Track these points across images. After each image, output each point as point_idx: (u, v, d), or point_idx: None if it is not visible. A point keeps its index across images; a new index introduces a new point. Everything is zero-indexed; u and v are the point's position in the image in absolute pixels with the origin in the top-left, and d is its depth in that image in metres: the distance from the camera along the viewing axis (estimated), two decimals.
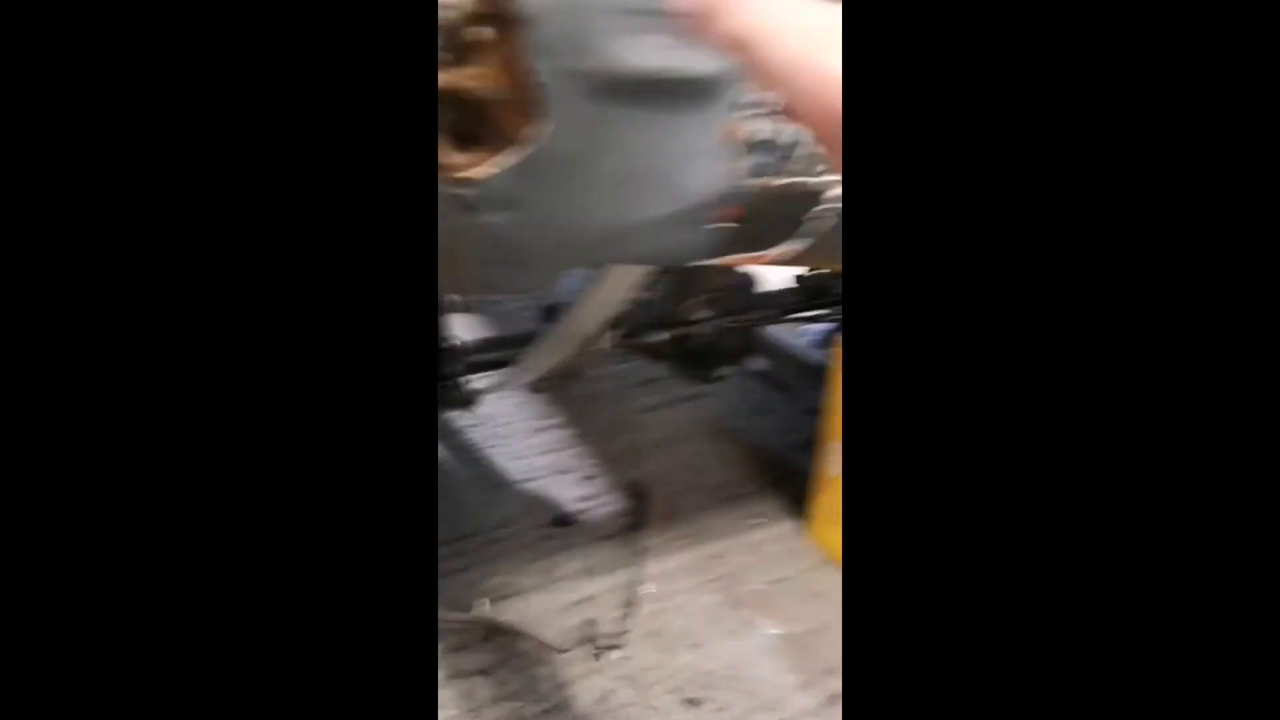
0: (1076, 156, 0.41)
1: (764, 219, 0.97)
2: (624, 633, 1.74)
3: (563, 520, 2.08)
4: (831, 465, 2.01)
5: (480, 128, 0.76)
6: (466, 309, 2.19)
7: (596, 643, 1.70)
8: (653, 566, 1.97)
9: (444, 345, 1.69)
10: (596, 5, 0.75)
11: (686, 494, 2.28)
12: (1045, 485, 0.42)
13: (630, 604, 1.82)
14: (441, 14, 0.69)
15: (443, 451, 2.28)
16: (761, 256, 1.06)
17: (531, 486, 2.23)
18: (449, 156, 0.75)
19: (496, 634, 1.70)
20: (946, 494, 0.44)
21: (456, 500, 2.09)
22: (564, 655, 1.68)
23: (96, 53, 0.43)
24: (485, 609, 1.76)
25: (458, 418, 2.26)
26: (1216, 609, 0.40)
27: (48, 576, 0.42)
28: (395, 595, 0.47)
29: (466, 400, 1.80)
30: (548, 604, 1.81)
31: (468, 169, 0.76)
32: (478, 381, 1.81)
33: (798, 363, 2.78)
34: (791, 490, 2.32)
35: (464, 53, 0.71)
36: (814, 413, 2.09)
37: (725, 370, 2.09)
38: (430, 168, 0.51)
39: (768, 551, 2.11)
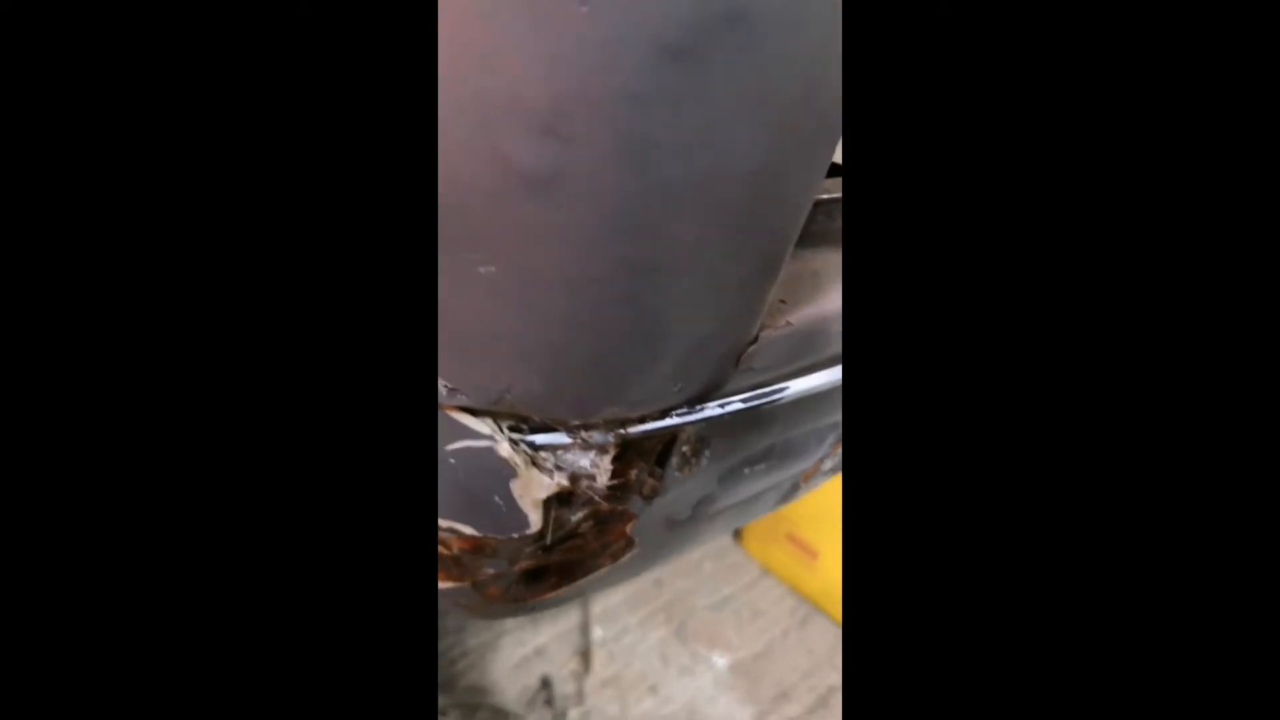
0: (1081, 161, 0.40)
1: None
2: (580, 690, 1.73)
3: None
4: None
5: (558, 574, 0.69)
6: None
7: (554, 705, 1.68)
8: (597, 605, 1.95)
9: None
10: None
11: None
12: (1052, 514, 0.40)
13: (583, 655, 1.81)
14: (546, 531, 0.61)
15: None
16: None
17: None
18: (516, 590, 0.67)
19: (452, 708, 1.66)
20: (948, 527, 0.41)
21: None
22: None
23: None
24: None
25: None
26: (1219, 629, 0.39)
27: (17, 580, 0.39)
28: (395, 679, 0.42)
29: None
30: (499, 663, 1.78)
31: (536, 598, 0.69)
32: None
33: None
34: None
35: (562, 538, 0.63)
36: None
37: None
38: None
39: (707, 570, 2.13)
